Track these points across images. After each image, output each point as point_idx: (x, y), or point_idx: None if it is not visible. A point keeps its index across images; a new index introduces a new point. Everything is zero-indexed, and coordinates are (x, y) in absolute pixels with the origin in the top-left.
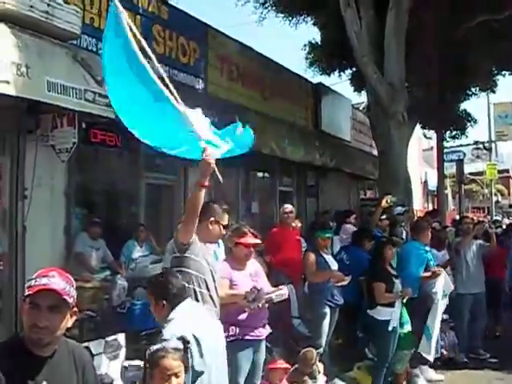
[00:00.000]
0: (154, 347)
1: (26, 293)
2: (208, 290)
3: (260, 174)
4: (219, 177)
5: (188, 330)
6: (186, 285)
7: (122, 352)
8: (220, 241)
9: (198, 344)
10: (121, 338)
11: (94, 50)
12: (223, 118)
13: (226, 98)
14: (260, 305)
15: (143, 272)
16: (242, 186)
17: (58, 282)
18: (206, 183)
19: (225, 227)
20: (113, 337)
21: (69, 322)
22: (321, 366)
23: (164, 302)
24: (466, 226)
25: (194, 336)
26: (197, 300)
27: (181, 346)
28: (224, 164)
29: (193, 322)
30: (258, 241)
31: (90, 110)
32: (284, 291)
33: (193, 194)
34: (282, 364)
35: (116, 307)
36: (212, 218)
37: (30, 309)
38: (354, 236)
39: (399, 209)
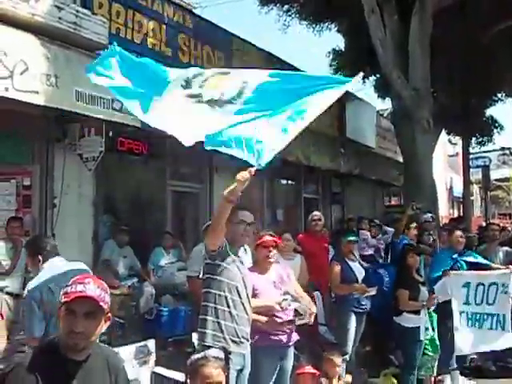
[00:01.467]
0: (195, 356)
1: (63, 300)
2: (240, 297)
3: (285, 182)
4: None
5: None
6: (218, 292)
7: (152, 358)
8: (247, 248)
9: (53, 294)
10: (150, 344)
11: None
12: None
13: None
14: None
15: (170, 279)
16: (267, 193)
17: (94, 288)
18: (234, 199)
19: (249, 224)
20: (143, 343)
21: (103, 327)
22: (348, 377)
23: (39, 256)
24: (491, 233)
25: (49, 288)
26: (228, 307)
27: (222, 355)
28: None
29: (54, 275)
30: (276, 239)
31: (117, 119)
32: (307, 320)
33: (220, 207)
34: (309, 369)
35: (144, 314)
36: (236, 220)
37: (66, 315)
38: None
39: (427, 216)
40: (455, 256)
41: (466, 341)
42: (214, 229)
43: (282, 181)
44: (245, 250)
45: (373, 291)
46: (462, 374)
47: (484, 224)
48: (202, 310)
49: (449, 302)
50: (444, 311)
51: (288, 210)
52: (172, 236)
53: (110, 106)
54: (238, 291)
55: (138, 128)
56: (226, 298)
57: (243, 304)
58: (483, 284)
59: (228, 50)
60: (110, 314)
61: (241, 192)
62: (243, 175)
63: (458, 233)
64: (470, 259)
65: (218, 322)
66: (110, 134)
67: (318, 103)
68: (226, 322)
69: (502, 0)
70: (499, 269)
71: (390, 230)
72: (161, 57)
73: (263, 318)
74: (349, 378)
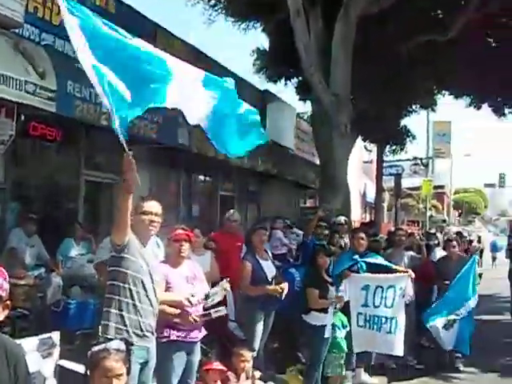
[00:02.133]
0: (96, 348)
1: None
2: (145, 290)
3: (201, 178)
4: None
5: None
6: (122, 284)
7: (56, 351)
8: (160, 242)
9: None
10: (55, 336)
11: (37, 40)
12: (167, 118)
13: None
14: (198, 320)
15: (80, 271)
16: (182, 188)
17: None
18: (130, 188)
19: (156, 215)
20: (46, 335)
21: (1, 315)
22: (257, 373)
23: None
24: (398, 238)
25: None
26: (132, 299)
27: (123, 347)
28: (164, 165)
29: None
30: (189, 233)
31: (30, 102)
32: (222, 308)
33: (119, 200)
34: (217, 365)
35: (50, 305)
36: (141, 210)
37: None
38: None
39: (340, 219)
40: (355, 257)
41: (363, 340)
42: (117, 223)
43: (199, 176)
44: (157, 243)
45: (284, 290)
46: (365, 371)
47: (393, 229)
48: (105, 302)
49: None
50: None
51: (204, 206)
52: (82, 227)
53: (24, 87)
54: (143, 284)
55: (52, 113)
56: (130, 290)
57: (148, 297)
58: (382, 287)
59: (151, 39)
60: (9, 302)
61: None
62: (127, 162)
63: (360, 234)
64: (370, 260)
65: (121, 315)
66: (22, 117)
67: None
68: (130, 315)
69: (422, 15)
70: (398, 271)
71: (300, 232)
72: None
73: (175, 311)
74: (257, 374)
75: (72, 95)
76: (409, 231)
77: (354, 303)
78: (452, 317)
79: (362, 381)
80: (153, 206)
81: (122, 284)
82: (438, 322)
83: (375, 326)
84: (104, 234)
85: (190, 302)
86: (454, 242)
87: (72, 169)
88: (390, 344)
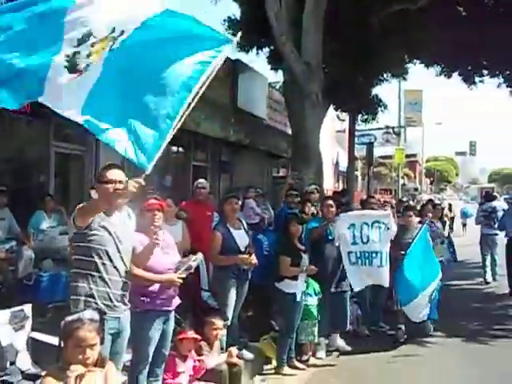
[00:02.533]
0: (69, 318)
1: None
2: (111, 260)
3: (174, 149)
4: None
5: None
6: (86, 258)
7: (28, 323)
8: (131, 212)
9: None
10: (27, 308)
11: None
12: None
13: None
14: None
15: (52, 243)
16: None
17: None
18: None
19: (120, 182)
20: (18, 307)
21: None
22: (233, 349)
23: None
24: (369, 206)
25: None
26: (98, 271)
27: (97, 316)
28: None
29: None
30: (161, 203)
31: None
32: (199, 255)
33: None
34: (191, 334)
35: (22, 279)
36: (104, 179)
37: None
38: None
39: (312, 187)
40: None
41: (358, 277)
42: (86, 210)
43: (171, 147)
44: (128, 214)
45: (254, 262)
46: (340, 337)
47: (365, 197)
48: (72, 276)
49: (329, 271)
50: (325, 279)
51: (177, 177)
52: (53, 199)
53: None
54: (108, 255)
55: None
56: (95, 263)
57: (116, 267)
58: (367, 223)
59: None
60: None
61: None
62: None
63: (329, 202)
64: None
65: (90, 287)
66: None
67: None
68: (98, 287)
69: None
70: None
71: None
72: None
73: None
74: (234, 350)
75: None
76: (382, 200)
77: (343, 243)
78: (426, 293)
79: (336, 346)
80: (116, 174)
81: (86, 258)
82: (414, 304)
83: (367, 261)
84: (75, 205)
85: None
86: (411, 212)
87: (42, 141)
88: (382, 276)
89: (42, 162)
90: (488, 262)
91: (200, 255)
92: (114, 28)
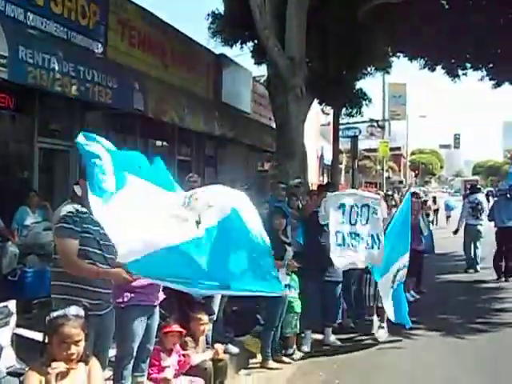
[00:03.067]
0: (55, 314)
1: None
2: (91, 259)
3: (158, 143)
4: None
5: None
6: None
7: (13, 319)
8: None
9: None
10: (11, 305)
11: None
12: (122, 83)
13: (126, 63)
14: None
15: (36, 239)
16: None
17: None
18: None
19: None
20: (2, 304)
21: None
22: (219, 346)
23: None
24: None
25: None
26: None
27: (82, 313)
28: (120, 131)
29: None
30: None
31: None
32: None
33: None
34: (176, 328)
35: (6, 275)
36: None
37: None
38: None
39: (296, 181)
40: None
41: (342, 259)
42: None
43: (155, 142)
44: None
45: None
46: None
47: None
48: (53, 275)
49: (311, 267)
50: (308, 273)
51: None
52: (38, 195)
53: None
54: (89, 254)
55: (4, 79)
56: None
57: (97, 265)
58: (356, 205)
59: (104, 4)
60: None
61: None
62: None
63: (314, 197)
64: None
65: (70, 286)
66: None
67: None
68: (79, 285)
69: None
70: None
71: None
72: (31, 6)
73: None
74: (219, 347)
75: (24, 61)
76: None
77: (332, 223)
78: (393, 270)
79: (330, 342)
80: None
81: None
82: (384, 279)
83: (353, 242)
84: (59, 201)
85: None
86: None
87: (26, 136)
88: (370, 257)
89: (25, 158)
90: (472, 253)
91: None
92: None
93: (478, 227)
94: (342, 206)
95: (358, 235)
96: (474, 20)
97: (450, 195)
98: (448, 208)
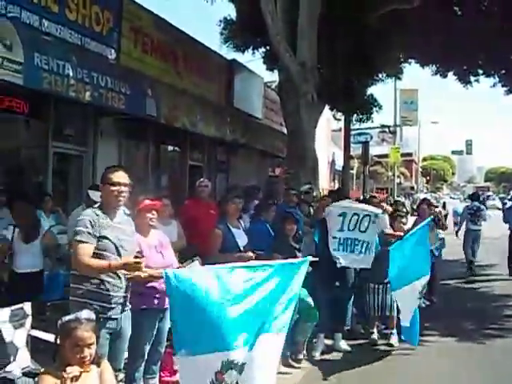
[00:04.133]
0: (66, 318)
1: None
2: (120, 256)
3: (170, 148)
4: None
5: None
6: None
7: (28, 321)
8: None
9: None
10: (27, 307)
11: (3, 12)
12: (135, 89)
13: (139, 69)
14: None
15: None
16: (151, 159)
17: None
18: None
19: (126, 185)
20: (18, 305)
21: None
22: None
23: None
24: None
25: None
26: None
27: (93, 316)
28: (132, 136)
29: None
30: (157, 203)
31: None
32: (195, 259)
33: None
34: None
35: None
36: (108, 181)
37: None
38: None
39: (306, 187)
40: None
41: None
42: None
43: (167, 147)
44: (125, 214)
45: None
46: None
47: (361, 197)
48: (71, 278)
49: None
50: (318, 278)
51: (173, 176)
52: (52, 199)
53: None
54: (108, 259)
55: (20, 85)
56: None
57: (115, 271)
58: (358, 214)
59: (118, 11)
60: None
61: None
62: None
63: (324, 201)
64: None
65: (88, 290)
66: None
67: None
68: (97, 289)
69: None
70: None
71: None
72: (46, 12)
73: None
74: None
75: (39, 67)
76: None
77: (331, 230)
78: (417, 285)
79: (339, 348)
80: (121, 177)
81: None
82: (404, 290)
83: (349, 248)
84: (73, 205)
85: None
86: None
87: (40, 141)
88: (361, 261)
89: (40, 162)
90: (470, 253)
91: (197, 261)
92: None
93: (477, 232)
94: (344, 214)
95: (355, 241)
96: (486, 26)
97: (460, 201)
98: (456, 214)
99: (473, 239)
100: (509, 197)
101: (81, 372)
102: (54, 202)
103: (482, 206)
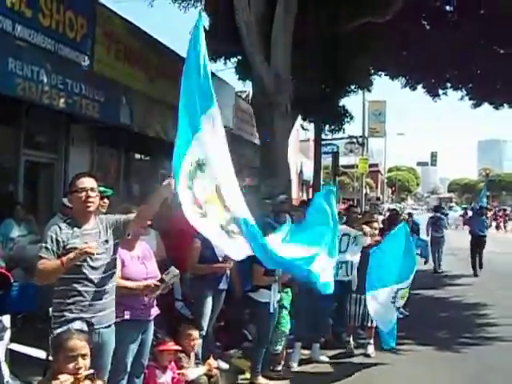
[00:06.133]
0: (58, 331)
1: None
2: (84, 274)
3: (142, 157)
4: None
5: None
6: (63, 276)
7: (7, 334)
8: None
9: None
10: (5, 319)
11: None
12: (108, 97)
13: (112, 77)
14: (157, 286)
15: (22, 252)
16: (123, 167)
17: None
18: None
19: (92, 190)
20: None
21: None
22: (212, 362)
23: None
24: (354, 215)
25: None
26: (74, 285)
27: (85, 327)
28: (105, 144)
29: None
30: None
31: None
32: (171, 269)
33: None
34: (172, 346)
35: None
36: (74, 188)
37: None
38: None
39: (282, 197)
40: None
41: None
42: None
43: (139, 156)
44: (98, 223)
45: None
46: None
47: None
48: (54, 293)
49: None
50: (299, 292)
51: (145, 185)
52: (23, 208)
53: None
54: (82, 268)
55: None
56: (70, 278)
57: (91, 280)
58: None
59: (91, 17)
60: None
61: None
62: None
63: (298, 213)
64: None
65: (67, 303)
66: None
67: None
68: (76, 299)
69: None
70: None
71: None
72: (20, 17)
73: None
74: (213, 362)
75: (13, 73)
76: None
77: None
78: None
79: (318, 358)
80: (87, 182)
81: (62, 275)
82: (380, 293)
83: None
84: (44, 214)
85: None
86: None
87: (12, 148)
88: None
89: (11, 170)
90: (436, 257)
91: (174, 272)
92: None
93: (440, 238)
94: None
95: (338, 264)
96: (454, 40)
97: (422, 211)
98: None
99: (437, 244)
100: (470, 206)
101: (73, 381)
102: (25, 211)
103: (443, 216)
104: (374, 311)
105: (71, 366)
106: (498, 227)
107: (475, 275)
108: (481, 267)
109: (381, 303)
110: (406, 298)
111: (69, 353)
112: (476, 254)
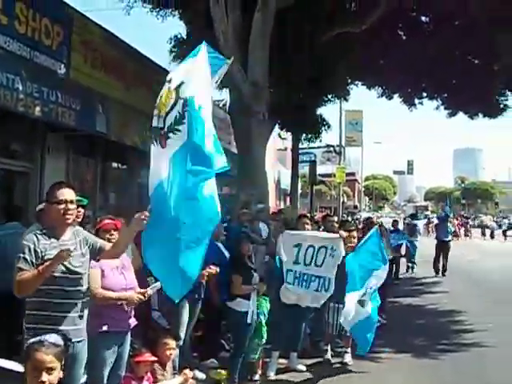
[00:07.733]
0: (32, 340)
1: None
2: (60, 285)
3: (119, 166)
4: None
5: None
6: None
7: None
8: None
9: None
10: None
11: None
12: (85, 105)
13: (88, 85)
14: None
15: None
16: (100, 176)
17: None
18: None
19: (72, 202)
20: None
21: None
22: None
23: None
24: (330, 224)
25: None
26: (48, 297)
27: (60, 342)
28: (81, 153)
29: None
30: (116, 222)
31: None
32: (157, 284)
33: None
34: (149, 357)
35: None
36: (54, 200)
37: None
38: None
39: (260, 206)
40: None
41: (291, 296)
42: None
43: (116, 164)
44: (75, 233)
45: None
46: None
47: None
48: (26, 304)
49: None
50: (277, 300)
51: (121, 194)
52: None
53: None
54: (56, 280)
55: None
56: (42, 290)
57: (65, 290)
58: (313, 246)
59: (68, 25)
60: None
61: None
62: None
63: (276, 223)
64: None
65: (41, 314)
66: None
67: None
68: (50, 313)
69: (338, 7)
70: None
71: None
72: None
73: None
74: (189, 372)
75: None
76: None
77: (285, 260)
78: (364, 291)
79: (295, 367)
80: (67, 194)
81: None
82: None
83: (304, 284)
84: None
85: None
86: (306, 219)
87: None
88: (316, 300)
89: None
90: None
91: (158, 286)
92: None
93: (414, 242)
94: (299, 245)
95: (312, 277)
96: (430, 51)
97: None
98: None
99: (413, 247)
100: (437, 215)
101: None
102: None
103: (417, 223)
104: (344, 317)
105: (35, 379)
106: (456, 235)
107: (437, 275)
108: (444, 270)
109: (350, 307)
110: (377, 303)
111: (34, 364)
112: (440, 257)
